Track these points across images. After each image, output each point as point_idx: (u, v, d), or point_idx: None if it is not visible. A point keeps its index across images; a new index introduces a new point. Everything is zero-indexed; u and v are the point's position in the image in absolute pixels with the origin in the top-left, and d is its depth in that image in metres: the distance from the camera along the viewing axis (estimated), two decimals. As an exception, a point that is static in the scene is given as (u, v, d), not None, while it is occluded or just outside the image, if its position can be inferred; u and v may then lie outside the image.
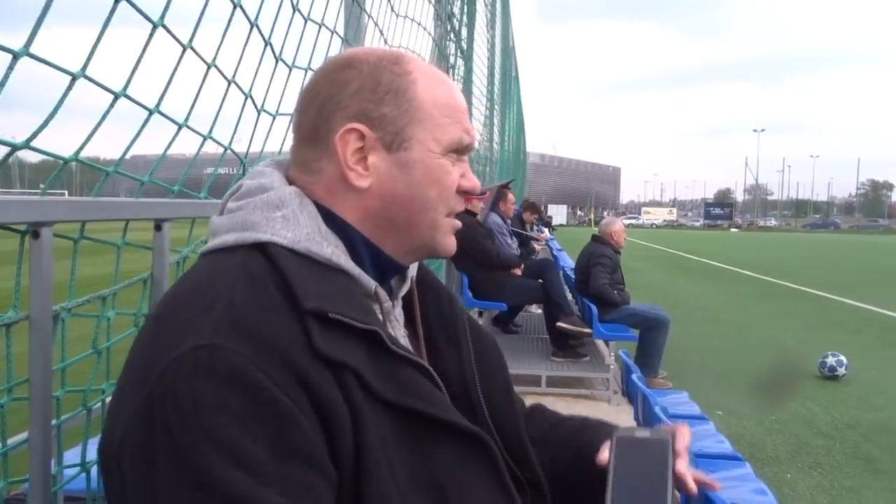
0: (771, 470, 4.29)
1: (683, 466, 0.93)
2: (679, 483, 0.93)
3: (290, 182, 0.90)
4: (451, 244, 0.94)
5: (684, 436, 0.97)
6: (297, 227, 0.83)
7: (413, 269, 0.99)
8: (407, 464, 0.79)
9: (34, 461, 1.00)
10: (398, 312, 0.96)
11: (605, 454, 0.93)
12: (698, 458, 2.71)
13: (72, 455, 1.21)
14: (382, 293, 0.89)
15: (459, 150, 0.91)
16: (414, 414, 0.81)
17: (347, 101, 0.86)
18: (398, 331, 0.93)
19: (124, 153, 1.18)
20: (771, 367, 6.84)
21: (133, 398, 0.73)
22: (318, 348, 0.75)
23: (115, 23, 1.01)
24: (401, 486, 0.77)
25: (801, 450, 4.72)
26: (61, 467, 1.14)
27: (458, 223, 0.95)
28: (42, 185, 1.06)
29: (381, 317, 0.87)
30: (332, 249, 0.84)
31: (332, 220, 0.87)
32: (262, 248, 0.81)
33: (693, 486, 0.93)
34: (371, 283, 0.87)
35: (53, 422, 1.05)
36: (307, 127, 0.89)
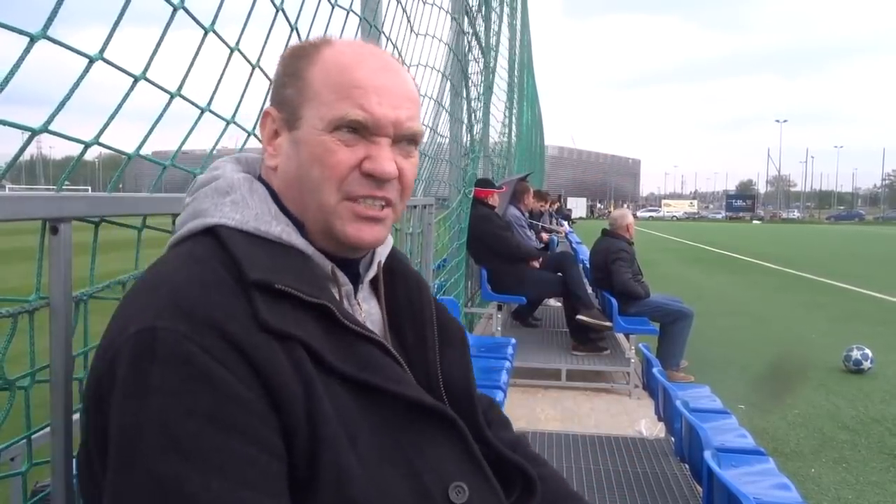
0: (795, 465, 4.24)
1: None
2: None
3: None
4: (354, 233, 0.87)
5: None
6: (246, 209, 0.85)
7: (381, 255, 1.00)
8: (371, 437, 0.80)
9: (56, 444, 1.02)
10: (365, 296, 0.97)
11: None
12: (720, 453, 2.68)
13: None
14: (341, 275, 0.90)
15: (352, 127, 0.85)
16: (375, 389, 0.82)
17: (272, 89, 0.95)
18: (360, 313, 0.94)
19: (147, 135, 1.21)
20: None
21: (90, 380, 0.78)
22: (263, 321, 0.76)
23: (146, 21, 1.03)
24: (363, 457, 0.78)
25: (825, 444, 4.65)
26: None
27: (367, 210, 0.87)
28: (67, 182, 1.07)
29: (338, 297, 0.87)
30: (283, 227, 0.85)
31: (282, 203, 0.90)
32: (212, 232, 0.83)
33: None
34: (326, 263, 0.88)
35: (75, 407, 1.05)
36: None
